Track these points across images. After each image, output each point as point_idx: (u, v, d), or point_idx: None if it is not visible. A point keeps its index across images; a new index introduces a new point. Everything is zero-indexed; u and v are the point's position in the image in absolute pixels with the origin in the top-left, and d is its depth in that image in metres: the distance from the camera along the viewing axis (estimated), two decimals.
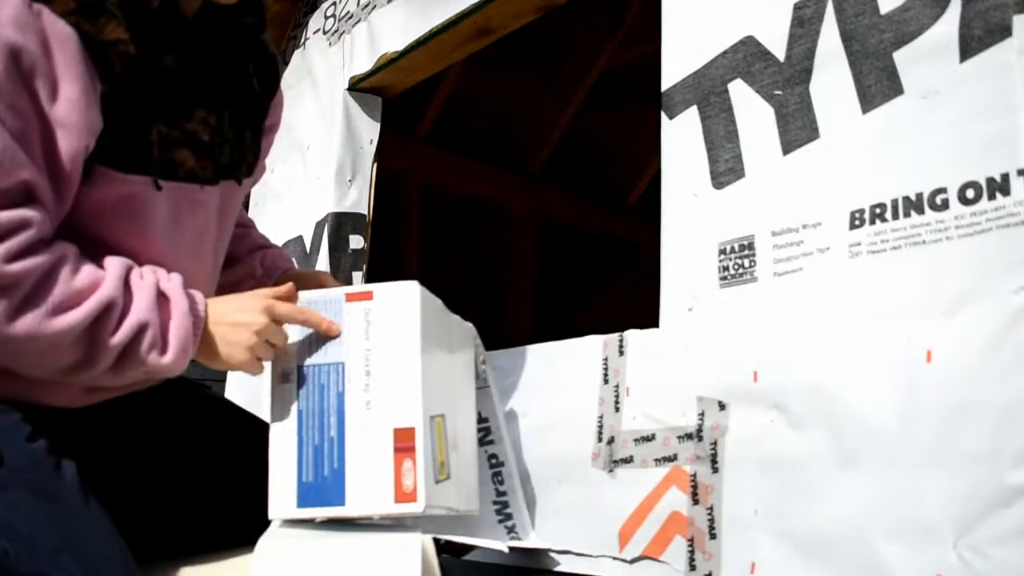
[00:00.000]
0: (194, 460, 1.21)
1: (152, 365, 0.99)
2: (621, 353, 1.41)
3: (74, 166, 0.98)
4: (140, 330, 0.98)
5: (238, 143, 1.20)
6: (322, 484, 1.05)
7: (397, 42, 2.13)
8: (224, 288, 1.29)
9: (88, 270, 0.97)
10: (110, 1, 0.99)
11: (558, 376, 1.51)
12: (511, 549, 1.34)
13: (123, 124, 1.01)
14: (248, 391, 2.38)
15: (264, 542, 1.03)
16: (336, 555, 1.02)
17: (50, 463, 0.98)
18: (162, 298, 1.01)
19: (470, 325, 1.43)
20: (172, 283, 1.03)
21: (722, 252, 1.27)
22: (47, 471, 0.98)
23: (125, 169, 1.02)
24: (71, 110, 0.95)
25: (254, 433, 1.17)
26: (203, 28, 1.12)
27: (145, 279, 1.01)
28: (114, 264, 1.00)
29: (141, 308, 0.98)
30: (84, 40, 0.96)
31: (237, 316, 1.05)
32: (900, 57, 1.10)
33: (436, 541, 1.20)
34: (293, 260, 1.50)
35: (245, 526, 1.08)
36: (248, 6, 1.19)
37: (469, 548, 1.28)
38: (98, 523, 0.98)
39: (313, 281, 1.32)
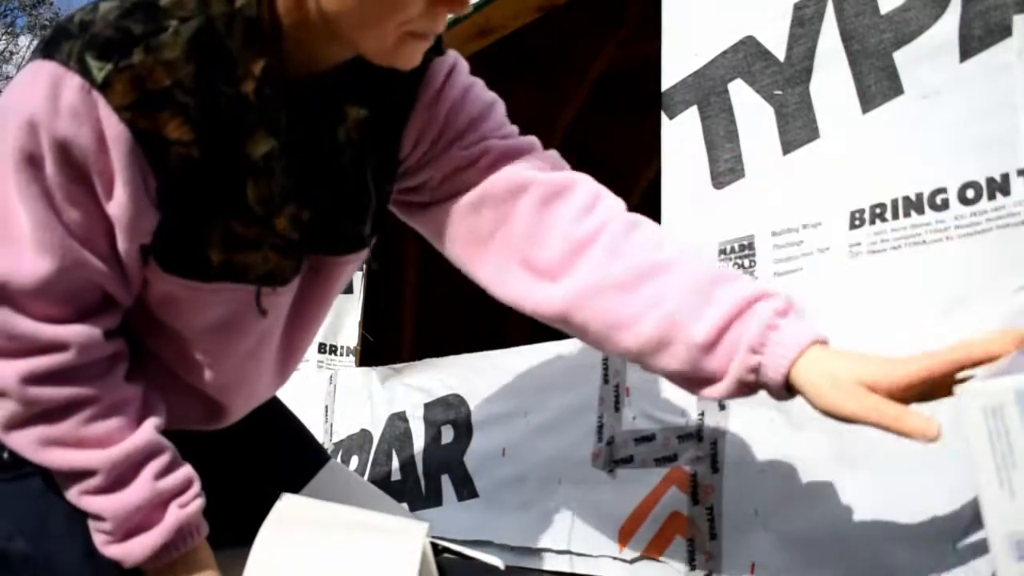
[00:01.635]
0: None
1: (98, 543, 0.90)
2: None
3: (132, 262, 0.87)
4: (99, 517, 0.89)
5: (332, 231, 1.00)
6: None
7: None
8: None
9: (109, 425, 0.88)
10: (184, 90, 0.81)
11: (558, 376, 1.51)
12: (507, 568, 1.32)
13: (178, 219, 0.86)
14: None
15: (263, 536, 1.02)
16: (335, 551, 1.02)
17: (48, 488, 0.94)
18: (156, 511, 0.89)
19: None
20: (179, 514, 0.90)
21: (722, 252, 1.27)
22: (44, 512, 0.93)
23: (166, 268, 0.88)
24: (123, 213, 0.83)
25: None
26: (323, 96, 0.92)
27: (159, 484, 0.89)
28: (137, 439, 0.89)
29: (121, 502, 0.88)
30: (139, 138, 0.80)
31: None
32: (900, 57, 1.10)
33: (434, 546, 1.20)
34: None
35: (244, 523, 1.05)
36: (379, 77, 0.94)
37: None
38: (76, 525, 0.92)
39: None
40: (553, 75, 3.62)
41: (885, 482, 1.03)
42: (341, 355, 2.20)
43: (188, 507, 0.91)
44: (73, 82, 0.77)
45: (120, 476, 0.88)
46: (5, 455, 0.91)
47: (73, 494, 0.88)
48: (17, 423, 0.86)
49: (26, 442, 0.86)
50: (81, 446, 0.86)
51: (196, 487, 0.93)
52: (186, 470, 0.92)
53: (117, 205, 0.82)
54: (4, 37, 17.06)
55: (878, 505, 1.03)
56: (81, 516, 0.91)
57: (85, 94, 0.78)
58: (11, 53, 17.28)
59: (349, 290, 2.23)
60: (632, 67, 3.56)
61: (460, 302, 3.98)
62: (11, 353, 0.84)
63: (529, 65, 3.51)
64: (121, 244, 0.85)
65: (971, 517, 0.95)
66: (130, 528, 0.88)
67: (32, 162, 0.79)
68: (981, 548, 0.94)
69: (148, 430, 0.90)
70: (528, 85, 3.62)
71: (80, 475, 0.87)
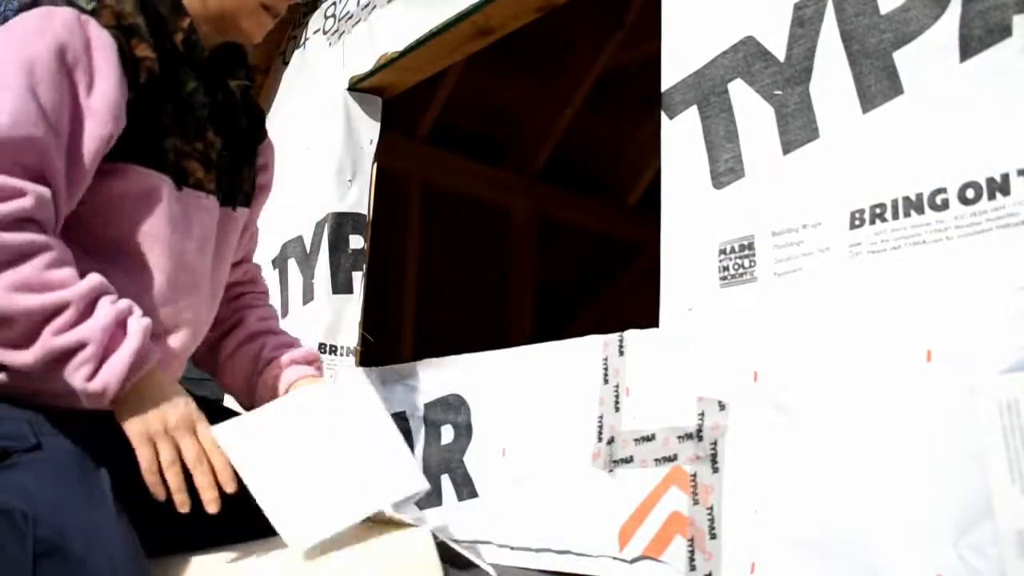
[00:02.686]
0: None
1: (74, 384, 0.98)
2: (621, 353, 1.41)
3: (94, 153, 1.08)
4: (79, 347, 0.98)
5: (236, 175, 1.32)
6: None
7: (397, 42, 2.13)
8: (224, 356, 1.40)
9: (66, 272, 1.00)
10: (142, 28, 1.15)
11: (558, 376, 1.51)
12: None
13: (143, 130, 1.13)
14: None
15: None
16: (353, 550, 1.04)
17: (87, 463, 1.02)
18: (119, 329, 1.01)
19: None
20: (139, 324, 1.02)
21: (722, 252, 1.28)
22: (80, 465, 1.01)
23: (147, 165, 1.14)
24: (103, 100, 1.08)
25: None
26: (215, 66, 1.27)
27: (116, 306, 1.02)
28: (92, 279, 1.01)
29: (92, 327, 0.98)
30: (120, 52, 1.11)
31: (167, 403, 1.04)
32: (900, 57, 1.10)
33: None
34: (302, 363, 1.36)
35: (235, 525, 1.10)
36: (239, 58, 1.34)
37: (472, 564, 1.28)
38: (119, 519, 0.99)
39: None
40: (553, 75, 3.62)
41: (885, 482, 1.03)
42: (341, 355, 2.19)
43: (143, 320, 1.04)
44: (68, 11, 1.07)
45: (87, 307, 0.99)
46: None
47: (47, 341, 0.97)
48: None
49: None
50: (48, 289, 0.98)
51: (138, 310, 1.06)
52: (126, 300, 1.05)
53: (98, 95, 1.07)
54: None
55: (878, 505, 1.03)
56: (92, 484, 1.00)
57: (75, 16, 1.07)
58: None
59: (349, 290, 2.23)
60: (632, 67, 3.56)
61: (460, 302, 3.98)
62: None
63: (529, 65, 3.51)
64: (91, 130, 1.07)
65: (971, 517, 0.95)
66: (107, 347, 0.99)
67: (35, 60, 1.03)
68: (982, 548, 0.94)
69: (97, 275, 1.03)
70: (528, 85, 3.62)
71: (51, 315, 0.97)
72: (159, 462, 1.02)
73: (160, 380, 1.05)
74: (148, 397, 1.03)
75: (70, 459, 1.01)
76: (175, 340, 1.22)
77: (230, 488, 1.03)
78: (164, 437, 1.03)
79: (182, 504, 1.01)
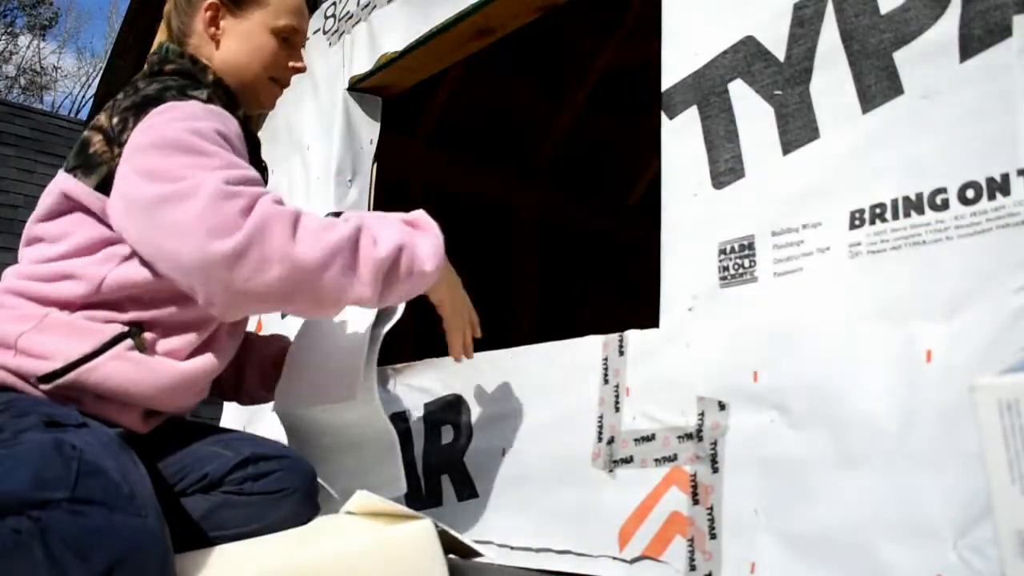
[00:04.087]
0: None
1: (417, 276, 1.24)
2: (621, 353, 1.41)
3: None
4: (398, 251, 1.19)
5: None
6: None
7: (397, 42, 2.13)
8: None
9: (321, 218, 1.19)
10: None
11: (558, 376, 1.51)
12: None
13: None
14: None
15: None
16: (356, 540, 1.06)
17: (128, 447, 1.11)
18: (409, 223, 1.26)
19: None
20: (414, 214, 1.29)
21: (722, 252, 1.28)
22: (120, 444, 1.10)
23: None
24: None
25: None
26: (256, 141, 1.47)
27: (389, 216, 1.25)
28: (346, 223, 1.19)
29: (394, 233, 1.20)
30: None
31: (456, 278, 1.45)
32: (900, 57, 1.10)
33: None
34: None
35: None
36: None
37: (476, 553, 1.29)
38: (149, 483, 1.07)
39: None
40: (553, 75, 3.62)
41: (885, 482, 1.03)
42: None
43: (419, 212, 1.31)
44: (192, 103, 1.25)
45: (363, 231, 1.19)
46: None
47: (369, 252, 1.17)
48: (292, 231, 1.12)
49: (309, 238, 1.13)
50: (334, 227, 1.16)
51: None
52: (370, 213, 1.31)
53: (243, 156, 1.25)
54: (4, 37, 17.06)
55: (878, 505, 1.03)
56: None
57: (206, 108, 1.25)
58: (11, 53, 17.28)
59: None
60: (632, 67, 3.56)
61: None
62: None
63: (529, 65, 3.51)
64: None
65: (971, 517, 0.95)
66: (412, 239, 1.23)
67: (209, 131, 1.19)
68: (982, 548, 0.94)
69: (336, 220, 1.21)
70: (528, 85, 3.62)
71: (360, 237, 1.17)
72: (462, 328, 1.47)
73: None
74: (450, 275, 1.41)
75: (112, 437, 1.10)
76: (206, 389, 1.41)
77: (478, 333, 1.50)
78: (469, 312, 1.49)
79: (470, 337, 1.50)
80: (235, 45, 1.41)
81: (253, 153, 1.42)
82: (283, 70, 1.47)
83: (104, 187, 1.20)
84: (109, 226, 1.21)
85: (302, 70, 1.50)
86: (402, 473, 1.43)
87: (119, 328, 1.21)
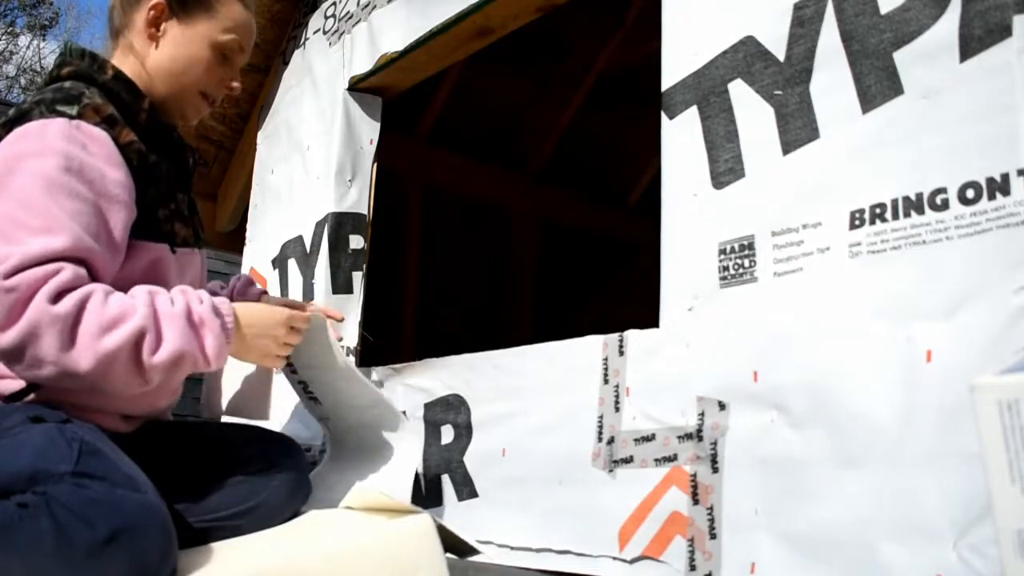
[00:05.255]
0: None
1: (199, 371, 1.22)
2: (621, 353, 1.41)
3: (124, 234, 1.21)
4: (179, 358, 1.15)
5: (196, 217, 1.49)
6: None
7: (397, 42, 2.13)
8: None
9: (118, 298, 1.13)
10: (117, 115, 1.27)
11: (558, 376, 1.51)
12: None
13: (141, 206, 1.26)
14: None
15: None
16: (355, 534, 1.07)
17: (112, 441, 1.16)
18: (194, 325, 1.18)
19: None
20: (203, 307, 1.21)
21: (722, 252, 1.28)
22: (105, 437, 1.15)
23: (152, 239, 1.28)
24: (120, 189, 1.20)
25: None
26: (170, 135, 1.41)
27: (175, 306, 1.18)
28: (140, 292, 1.16)
29: (176, 338, 1.15)
30: (113, 141, 1.23)
31: (264, 328, 1.32)
32: (900, 57, 1.10)
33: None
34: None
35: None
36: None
37: (474, 551, 1.29)
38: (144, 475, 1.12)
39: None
40: (553, 75, 3.62)
41: (885, 482, 1.03)
42: None
43: (203, 304, 1.21)
44: (59, 122, 1.18)
45: (157, 322, 1.14)
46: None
47: (148, 358, 1.13)
48: (68, 339, 1.07)
49: (87, 343, 1.08)
50: (116, 322, 1.10)
51: (188, 291, 1.23)
52: (175, 289, 1.24)
53: (113, 184, 1.19)
54: (4, 37, 17.05)
55: (878, 505, 1.03)
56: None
57: (67, 122, 1.19)
58: (11, 53, 17.26)
59: (349, 290, 2.23)
60: (632, 67, 3.56)
61: (460, 302, 3.98)
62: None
63: (529, 65, 3.51)
64: (119, 218, 1.19)
65: (971, 517, 0.95)
66: (200, 342, 1.19)
67: (54, 171, 1.13)
68: (982, 548, 0.94)
69: (136, 288, 1.17)
70: (528, 85, 3.62)
71: (140, 343, 1.11)
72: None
73: (245, 319, 1.29)
74: (247, 336, 1.29)
75: (97, 430, 1.15)
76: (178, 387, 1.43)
77: (340, 316, 1.62)
78: (279, 347, 1.34)
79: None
80: (172, 51, 1.37)
81: (162, 144, 1.36)
82: (215, 87, 1.42)
83: None
84: None
85: (235, 91, 1.45)
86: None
87: None
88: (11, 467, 1.01)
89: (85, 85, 1.27)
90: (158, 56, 1.37)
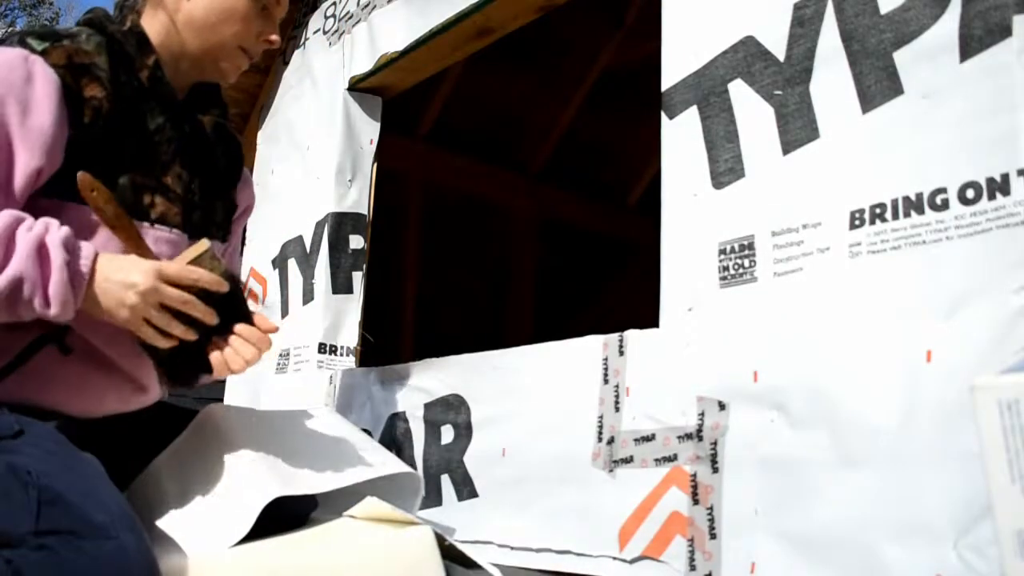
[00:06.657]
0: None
1: (40, 313, 1.07)
2: (621, 353, 1.41)
3: (24, 187, 1.12)
4: (18, 283, 1.04)
5: (209, 211, 1.37)
6: None
7: (397, 42, 2.13)
8: None
9: None
10: (100, 68, 1.20)
11: (558, 376, 1.51)
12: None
13: (87, 167, 1.14)
14: (246, 396, 2.39)
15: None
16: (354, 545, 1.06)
17: (69, 443, 1.10)
18: (42, 251, 1.06)
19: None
20: (55, 236, 1.07)
21: (722, 252, 1.28)
22: (63, 442, 1.09)
23: (80, 202, 1.15)
24: (36, 133, 1.12)
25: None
26: (190, 106, 1.33)
27: (32, 231, 1.06)
28: (3, 216, 1.06)
29: (19, 261, 1.04)
30: (65, 90, 1.16)
31: (125, 276, 1.10)
32: (900, 57, 1.10)
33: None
34: None
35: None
36: (213, 96, 1.41)
37: (475, 564, 1.29)
38: (108, 483, 1.07)
39: None
40: (553, 75, 3.62)
41: (885, 482, 1.03)
42: (341, 355, 2.19)
43: (61, 231, 1.08)
44: (14, 51, 1.13)
45: (9, 244, 1.05)
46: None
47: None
48: None
49: None
50: None
51: (51, 222, 1.09)
52: (43, 219, 1.10)
53: (34, 128, 1.11)
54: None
55: (878, 505, 1.03)
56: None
57: (22, 54, 1.13)
58: None
59: (349, 290, 2.23)
60: (632, 67, 3.56)
61: (460, 302, 3.98)
62: None
63: (529, 65, 3.51)
64: (22, 161, 1.11)
65: (971, 517, 0.95)
66: (42, 273, 1.05)
67: None
68: (982, 548, 0.94)
69: (7, 211, 1.07)
70: (528, 85, 3.62)
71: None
72: (160, 329, 1.11)
73: (106, 270, 1.10)
74: (105, 290, 1.09)
75: (52, 437, 1.09)
76: (150, 387, 1.32)
77: (224, 288, 1.15)
78: (146, 307, 1.09)
79: (184, 333, 1.12)
80: (207, 2, 1.29)
81: (156, 105, 1.27)
82: (254, 41, 1.34)
83: None
84: None
85: (275, 44, 1.37)
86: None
87: (35, 335, 1.17)
88: None
89: (89, 32, 1.23)
90: (191, 8, 1.29)
